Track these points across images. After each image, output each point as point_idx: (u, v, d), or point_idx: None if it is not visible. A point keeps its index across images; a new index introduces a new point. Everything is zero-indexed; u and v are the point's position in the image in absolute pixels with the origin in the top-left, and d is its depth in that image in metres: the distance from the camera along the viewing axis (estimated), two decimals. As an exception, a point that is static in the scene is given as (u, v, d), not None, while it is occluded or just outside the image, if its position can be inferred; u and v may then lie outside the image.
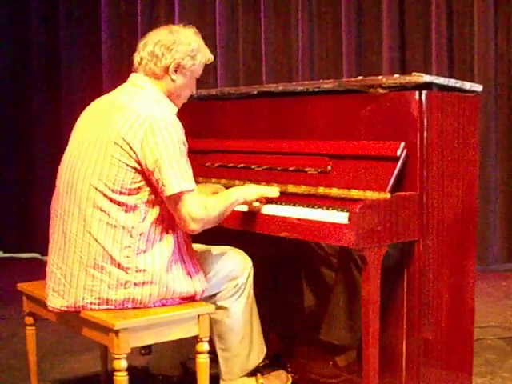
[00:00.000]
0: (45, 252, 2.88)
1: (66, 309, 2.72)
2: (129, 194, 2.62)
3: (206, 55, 2.88)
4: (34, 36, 7.02)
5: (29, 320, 3.15)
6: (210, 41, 6.35)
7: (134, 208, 2.63)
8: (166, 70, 2.77)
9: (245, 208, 2.96)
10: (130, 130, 2.60)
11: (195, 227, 2.67)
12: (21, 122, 7.11)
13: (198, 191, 2.70)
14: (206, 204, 2.69)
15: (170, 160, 2.58)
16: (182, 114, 3.84)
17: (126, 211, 2.62)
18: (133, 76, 2.84)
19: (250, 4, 6.36)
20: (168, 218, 2.71)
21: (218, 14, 6.36)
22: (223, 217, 2.80)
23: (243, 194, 2.88)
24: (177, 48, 2.77)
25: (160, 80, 2.79)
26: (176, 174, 2.59)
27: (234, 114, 3.51)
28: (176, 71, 2.79)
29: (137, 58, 2.82)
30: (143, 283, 2.66)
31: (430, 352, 2.84)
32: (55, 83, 6.92)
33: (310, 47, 6.11)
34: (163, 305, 2.73)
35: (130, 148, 2.59)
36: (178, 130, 2.65)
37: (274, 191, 2.95)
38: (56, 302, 2.74)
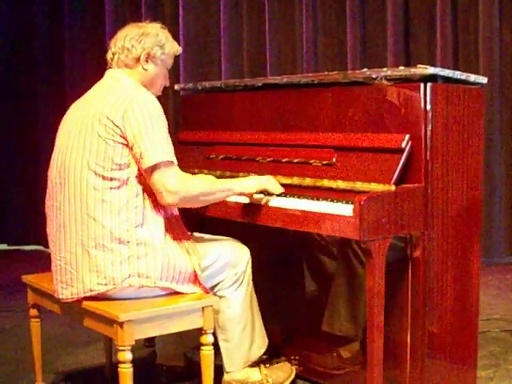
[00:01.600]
0: (48, 244, 2.90)
1: (76, 296, 2.75)
2: (120, 169, 2.70)
3: (174, 46, 3.02)
4: (37, 30, 7.01)
5: (33, 312, 3.16)
6: (214, 32, 6.38)
7: (127, 182, 2.71)
8: (138, 60, 2.92)
9: (247, 200, 2.96)
10: (112, 108, 2.71)
11: (170, 200, 2.70)
12: (25, 114, 7.12)
13: (176, 167, 2.76)
14: (184, 179, 2.75)
15: (147, 133, 2.68)
16: (185, 107, 3.86)
17: (119, 187, 2.70)
18: (107, 72, 2.98)
19: (254, -4, 6.35)
20: None
21: (223, 6, 6.35)
22: (211, 200, 2.89)
23: (240, 186, 2.90)
24: (145, 39, 2.92)
25: (133, 70, 2.93)
26: (153, 147, 2.68)
27: (239, 106, 3.50)
28: (147, 61, 2.93)
29: (109, 55, 2.97)
30: (145, 254, 2.71)
31: (435, 344, 2.84)
32: (59, 76, 6.92)
33: (315, 39, 6.09)
34: (168, 293, 2.75)
35: (114, 124, 2.69)
36: (157, 108, 2.76)
37: (277, 189, 2.94)
38: (67, 293, 2.78)
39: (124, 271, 2.69)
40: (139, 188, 2.73)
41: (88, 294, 2.72)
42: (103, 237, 2.68)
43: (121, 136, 2.69)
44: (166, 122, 2.79)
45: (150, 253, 2.72)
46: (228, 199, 3.00)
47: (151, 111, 2.72)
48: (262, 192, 2.93)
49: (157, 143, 2.69)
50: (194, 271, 2.83)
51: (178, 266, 2.78)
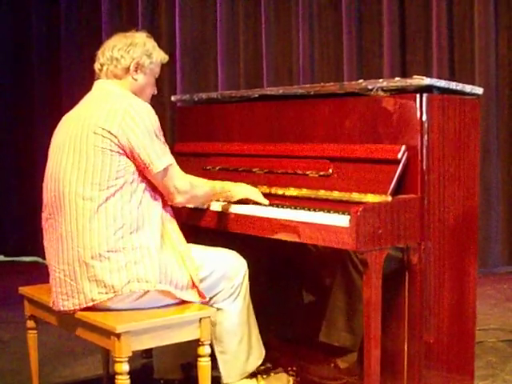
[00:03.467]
0: (45, 257, 2.90)
1: (78, 307, 2.74)
2: (116, 178, 2.71)
3: (161, 55, 3.04)
4: (34, 28, 7.04)
5: (30, 324, 3.15)
6: (210, 44, 6.40)
7: (122, 187, 2.72)
8: (127, 70, 2.93)
9: (247, 211, 2.96)
10: (106, 119, 2.73)
11: (180, 199, 2.89)
12: (22, 125, 7.12)
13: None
14: (190, 179, 2.92)
15: (149, 140, 2.74)
16: (182, 118, 3.87)
17: (114, 194, 2.71)
18: (96, 83, 2.98)
19: (250, 7, 6.36)
20: (153, 197, 2.83)
21: (219, 18, 6.37)
22: (208, 201, 3.12)
23: (230, 188, 3.07)
24: (133, 49, 2.93)
25: (122, 80, 2.94)
26: (158, 152, 2.76)
27: (235, 118, 3.51)
28: (136, 70, 2.94)
29: (97, 66, 2.97)
30: (142, 258, 2.72)
31: (432, 354, 2.84)
32: (56, 87, 6.93)
33: (311, 50, 6.10)
34: (168, 296, 2.77)
35: (111, 134, 2.70)
36: (151, 113, 2.80)
37: (263, 200, 3.05)
38: (68, 305, 2.77)
39: (123, 278, 2.68)
40: (133, 194, 2.74)
41: (90, 304, 2.71)
42: (99, 246, 2.68)
43: (118, 145, 2.70)
44: (159, 124, 2.83)
45: (146, 256, 2.72)
46: (222, 209, 3.05)
47: (149, 114, 2.77)
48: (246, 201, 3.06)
49: (158, 148, 2.76)
50: (191, 278, 2.82)
51: (175, 274, 2.78)
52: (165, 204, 2.91)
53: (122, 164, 2.71)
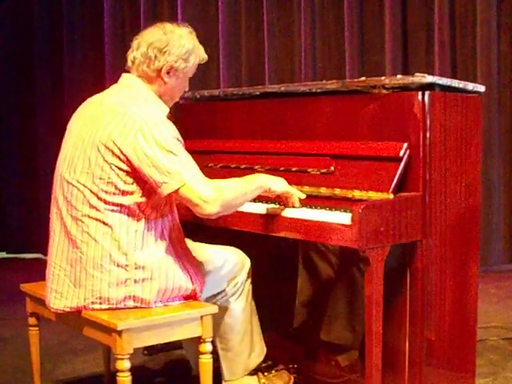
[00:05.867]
0: (47, 252, 2.89)
1: (68, 309, 2.73)
2: (122, 195, 2.63)
3: (199, 55, 2.88)
4: (36, 30, 7.04)
5: (32, 321, 3.15)
6: (212, 41, 6.39)
7: (128, 208, 2.64)
8: (159, 72, 2.77)
9: (250, 209, 2.95)
10: (120, 133, 2.60)
11: (211, 209, 2.59)
12: (24, 121, 7.12)
13: (204, 178, 2.66)
14: (215, 185, 2.63)
15: (165, 157, 2.57)
16: (184, 115, 3.87)
17: (120, 211, 2.64)
18: (125, 77, 2.85)
19: (252, 4, 6.36)
20: (161, 216, 2.73)
21: (221, 14, 6.36)
22: (242, 201, 2.75)
23: (270, 183, 2.81)
24: (170, 50, 2.76)
25: (152, 81, 2.79)
26: (171, 171, 2.57)
27: (237, 115, 3.51)
28: (168, 73, 2.79)
29: (130, 56, 2.82)
30: (143, 280, 2.67)
31: (433, 352, 2.84)
32: (59, 84, 6.93)
33: (313, 48, 6.10)
34: (164, 305, 2.74)
35: (121, 152, 2.60)
36: (168, 127, 2.64)
37: (300, 194, 2.87)
38: (59, 304, 2.75)
39: (120, 293, 2.66)
40: (141, 213, 2.66)
41: (81, 310, 2.69)
42: (102, 258, 2.64)
43: (127, 164, 2.60)
44: (181, 139, 2.69)
45: (147, 278, 2.67)
46: None
47: (163, 133, 2.60)
48: (285, 195, 2.85)
49: (176, 162, 2.58)
50: (194, 290, 2.80)
51: (178, 286, 2.74)
52: (174, 216, 2.81)
53: (129, 183, 2.62)
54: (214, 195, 2.58)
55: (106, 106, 2.74)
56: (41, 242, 6.44)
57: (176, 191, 2.59)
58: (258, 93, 3.40)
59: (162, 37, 2.78)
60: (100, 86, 2.99)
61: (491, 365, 3.60)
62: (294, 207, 2.84)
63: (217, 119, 3.64)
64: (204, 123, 3.71)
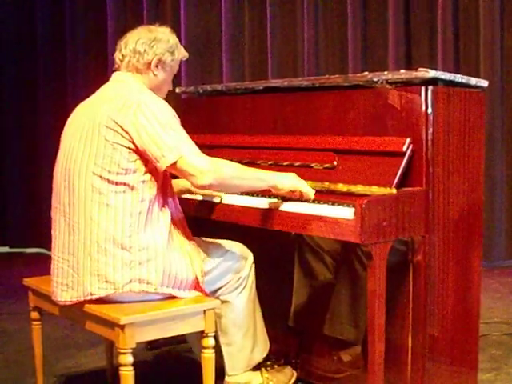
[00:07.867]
0: (50, 247, 2.90)
1: (76, 300, 2.74)
2: (126, 174, 2.68)
3: (181, 52, 3.01)
4: (39, 26, 7.03)
5: (34, 315, 3.16)
6: (215, 36, 6.39)
7: (132, 188, 2.69)
8: (149, 65, 2.89)
9: (251, 203, 2.96)
10: (119, 112, 2.69)
11: (205, 180, 2.66)
12: (25, 116, 7.12)
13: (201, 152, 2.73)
14: (212, 159, 2.71)
15: (165, 132, 2.66)
16: (187, 110, 3.87)
17: (124, 191, 2.68)
18: (115, 74, 2.95)
19: (255, -1, 6.36)
20: (163, 197, 2.80)
21: (224, 9, 6.36)
22: (244, 186, 2.83)
23: (277, 181, 2.83)
24: (157, 44, 2.89)
25: (142, 75, 2.91)
26: (170, 145, 2.65)
27: (240, 110, 3.51)
28: (157, 66, 2.91)
29: (118, 56, 2.93)
30: (147, 261, 2.70)
31: (436, 347, 2.84)
32: (60, 80, 6.93)
33: (316, 42, 6.10)
34: (169, 296, 2.75)
35: (123, 129, 2.67)
36: (166, 105, 2.76)
37: (310, 191, 2.85)
38: (66, 296, 2.77)
39: (125, 276, 2.68)
40: (145, 193, 2.71)
41: (88, 298, 2.70)
42: (106, 241, 2.67)
43: (129, 141, 2.66)
44: (179, 120, 2.77)
45: (152, 258, 2.71)
46: (228, 202, 3.03)
47: (161, 108, 2.72)
48: (293, 193, 2.85)
49: (174, 137, 2.66)
50: (196, 277, 2.82)
51: (180, 273, 2.77)
52: (175, 200, 2.90)
53: (132, 161, 2.68)
54: (209, 167, 2.66)
55: (101, 99, 2.83)
56: (43, 237, 6.44)
57: (174, 164, 2.65)
58: (261, 87, 3.40)
59: (148, 34, 2.92)
60: (103, 83, 3.01)
61: (494, 360, 3.60)
62: (307, 201, 2.83)
63: (220, 114, 3.64)
64: (207, 118, 3.71)
